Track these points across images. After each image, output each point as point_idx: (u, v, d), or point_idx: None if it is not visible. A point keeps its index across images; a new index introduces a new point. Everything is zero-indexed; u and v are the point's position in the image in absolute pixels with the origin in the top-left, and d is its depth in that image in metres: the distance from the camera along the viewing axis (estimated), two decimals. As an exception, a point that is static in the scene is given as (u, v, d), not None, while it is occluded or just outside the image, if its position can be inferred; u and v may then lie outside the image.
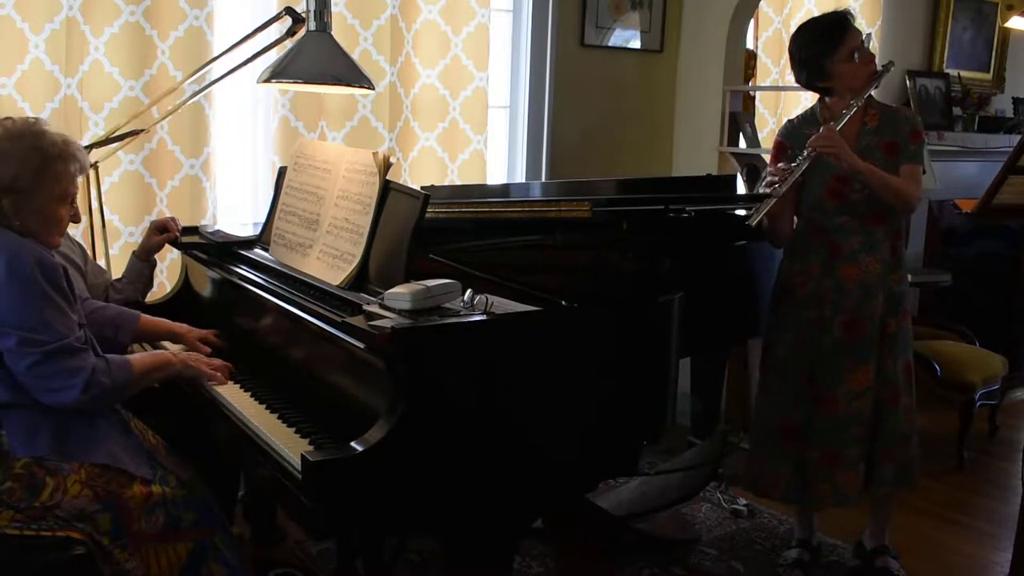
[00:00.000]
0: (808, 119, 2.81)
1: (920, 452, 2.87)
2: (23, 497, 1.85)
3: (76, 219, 2.10)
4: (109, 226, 2.96)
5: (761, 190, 2.66)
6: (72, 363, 1.90)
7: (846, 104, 2.68)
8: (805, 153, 2.61)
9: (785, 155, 2.78)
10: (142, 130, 2.78)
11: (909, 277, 2.86)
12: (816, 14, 4.70)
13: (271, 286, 2.28)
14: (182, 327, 2.39)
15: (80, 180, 2.09)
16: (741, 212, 3.25)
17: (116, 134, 2.74)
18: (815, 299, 2.76)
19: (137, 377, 2.02)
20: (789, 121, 2.91)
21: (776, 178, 2.63)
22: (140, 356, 2.10)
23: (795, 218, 2.84)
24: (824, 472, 2.78)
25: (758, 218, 2.59)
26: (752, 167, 4.15)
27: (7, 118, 2.00)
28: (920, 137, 2.70)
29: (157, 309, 2.69)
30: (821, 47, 2.66)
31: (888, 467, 2.79)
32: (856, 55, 2.65)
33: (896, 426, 2.77)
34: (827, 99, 2.77)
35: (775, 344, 2.85)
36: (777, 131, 2.91)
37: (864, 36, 2.68)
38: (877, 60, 2.73)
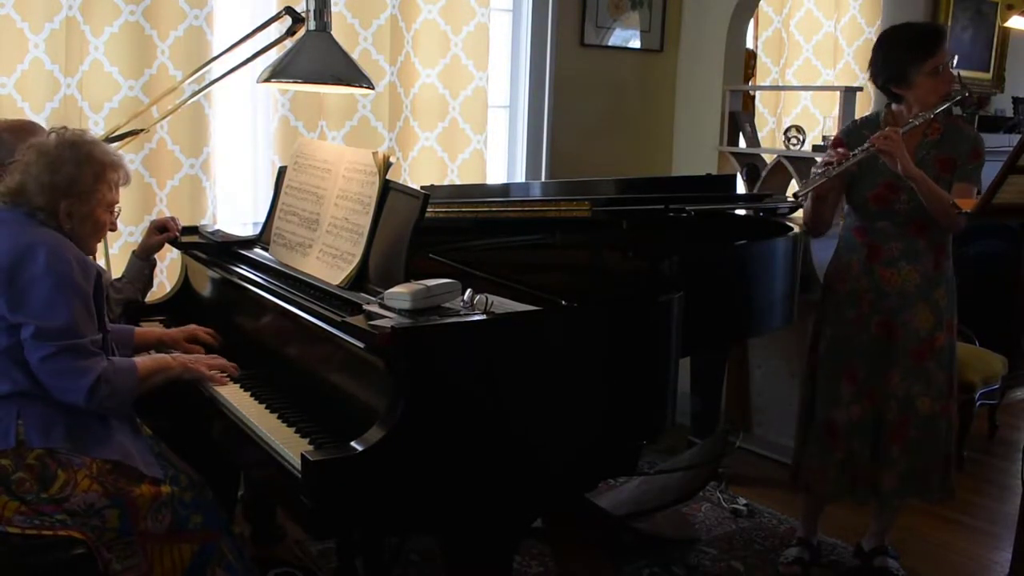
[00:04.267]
0: (870, 122, 2.83)
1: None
2: (32, 488, 1.87)
3: (114, 227, 2.16)
4: (109, 226, 2.96)
5: (815, 171, 2.71)
6: (82, 363, 1.93)
7: (912, 115, 2.68)
8: (865, 146, 2.63)
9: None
10: (142, 130, 2.78)
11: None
12: (816, 14, 4.77)
13: (271, 286, 2.27)
14: (169, 333, 2.40)
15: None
16: (741, 212, 3.26)
17: (116, 134, 2.74)
18: (854, 298, 2.81)
19: (141, 380, 2.05)
20: (853, 122, 2.95)
21: (833, 160, 2.66)
22: (143, 360, 2.12)
23: (837, 217, 2.89)
24: (869, 468, 2.81)
25: (804, 192, 2.72)
26: (752, 167, 4.15)
27: (63, 127, 2.08)
28: (979, 157, 2.71)
29: (157, 309, 2.71)
30: (910, 55, 2.66)
31: (935, 477, 2.81)
32: (940, 72, 2.65)
33: (942, 434, 2.80)
34: (894, 105, 2.77)
35: (820, 340, 2.90)
36: (838, 130, 2.97)
37: (949, 57, 2.69)
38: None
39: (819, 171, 2.68)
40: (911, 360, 2.76)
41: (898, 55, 2.69)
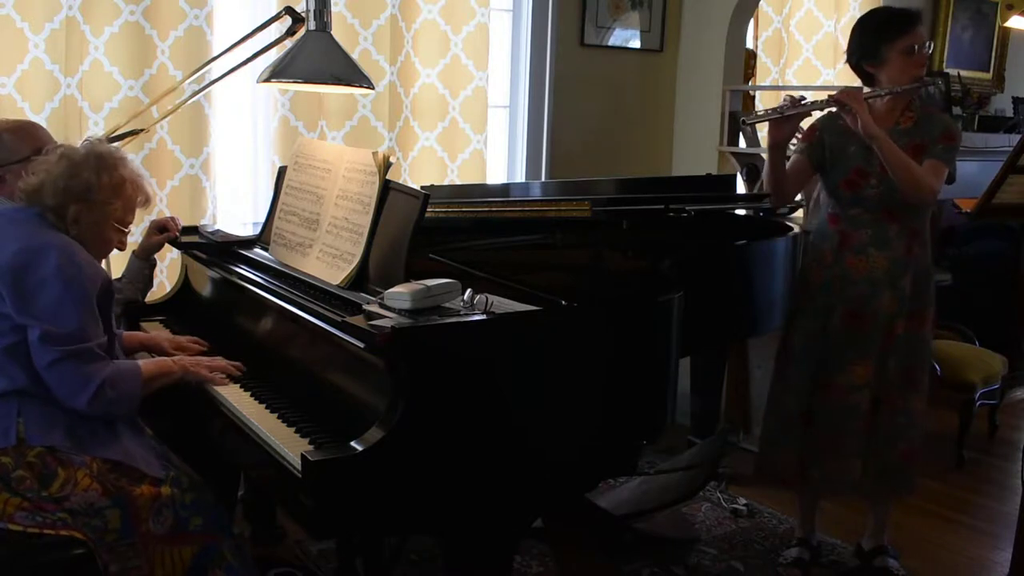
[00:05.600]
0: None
1: (919, 456, 2.87)
2: (32, 487, 1.87)
3: (122, 247, 2.17)
4: (109, 226, 2.95)
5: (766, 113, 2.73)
6: (87, 369, 1.94)
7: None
8: (825, 97, 2.62)
9: (813, 138, 2.80)
10: (142, 130, 2.78)
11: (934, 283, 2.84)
12: (816, 14, 4.77)
13: (271, 286, 2.27)
14: (153, 337, 2.39)
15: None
16: (741, 212, 3.26)
17: (116, 134, 2.73)
18: (825, 288, 2.81)
19: (144, 384, 2.05)
20: (829, 111, 2.92)
21: (787, 102, 2.68)
22: (145, 363, 2.12)
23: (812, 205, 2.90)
24: (819, 458, 2.81)
25: (751, 122, 2.74)
26: (752, 167, 4.15)
27: (98, 139, 2.12)
28: (950, 140, 2.68)
29: (157, 309, 2.71)
30: (884, 31, 2.67)
31: (881, 467, 2.81)
32: (913, 53, 2.65)
33: (892, 427, 2.79)
34: (866, 89, 2.76)
35: (792, 332, 2.89)
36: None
37: (926, 44, 2.69)
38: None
39: (773, 109, 2.70)
40: (879, 349, 2.76)
41: (872, 34, 2.70)
